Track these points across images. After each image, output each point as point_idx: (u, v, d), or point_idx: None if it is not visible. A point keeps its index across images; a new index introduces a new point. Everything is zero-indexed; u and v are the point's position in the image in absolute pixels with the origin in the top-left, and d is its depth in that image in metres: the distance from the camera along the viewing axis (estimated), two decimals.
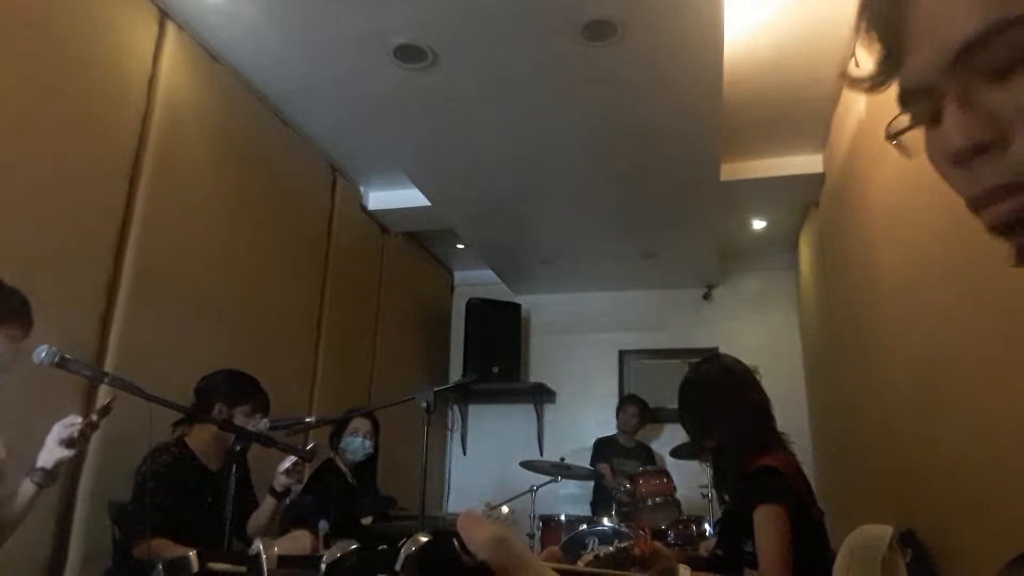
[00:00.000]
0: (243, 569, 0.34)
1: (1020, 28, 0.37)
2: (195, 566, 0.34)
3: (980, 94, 0.40)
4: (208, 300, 3.17)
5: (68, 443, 1.72)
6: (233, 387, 2.63)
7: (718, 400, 2.08)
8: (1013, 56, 0.38)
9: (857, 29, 0.47)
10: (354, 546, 0.36)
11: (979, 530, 1.97)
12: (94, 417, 1.76)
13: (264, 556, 0.34)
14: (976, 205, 0.43)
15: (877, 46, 0.46)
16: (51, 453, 1.72)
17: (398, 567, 0.37)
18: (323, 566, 0.35)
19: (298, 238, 3.97)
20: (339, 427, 3.38)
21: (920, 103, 0.44)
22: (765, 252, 5.73)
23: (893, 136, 0.47)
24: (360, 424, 3.36)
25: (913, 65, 0.43)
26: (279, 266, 3.75)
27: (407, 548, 0.37)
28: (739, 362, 2.16)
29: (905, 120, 0.45)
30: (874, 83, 0.48)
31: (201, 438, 2.59)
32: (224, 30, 3.09)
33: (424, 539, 0.37)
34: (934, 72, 0.42)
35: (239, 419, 2.54)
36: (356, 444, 3.33)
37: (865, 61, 0.48)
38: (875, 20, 0.46)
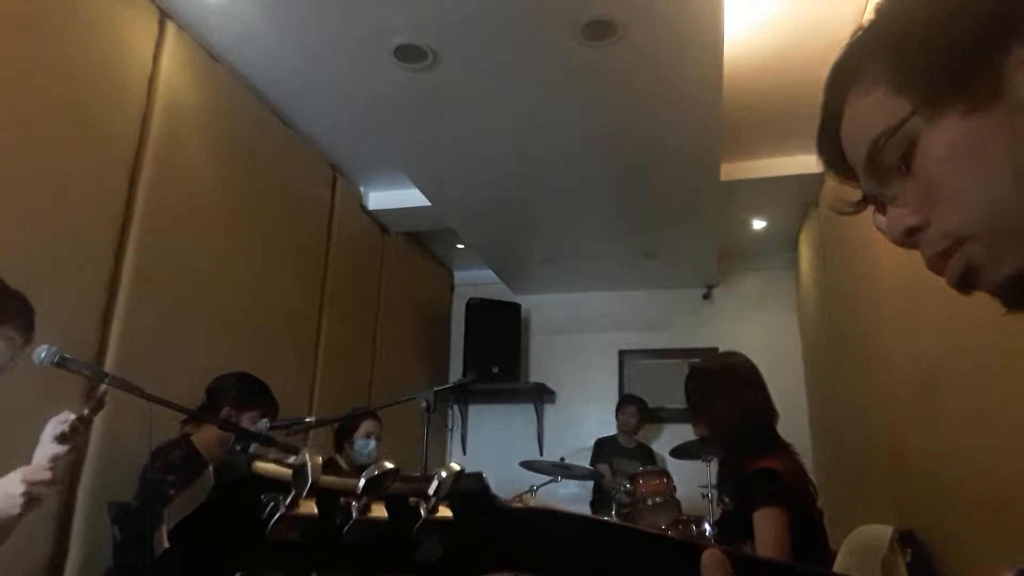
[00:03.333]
0: (288, 473, 0.35)
1: (886, 138, 0.51)
2: (244, 468, 0.35)
3: (901, 191, 0.53)
4: (208, 300, 3.17)
5: (62, 439, 1.72)
6: (243, 391, 2.63)
7: (711, 393, 2.12)
8: (895, 157, 0.52)
9: (830, 173, 0.61)
10: (391, 465, 0.37)
11: (979, 530, 1.97)
12: (86, 412, 1.76)
13: (309, 464, 0.35)
14: (936, 273, 0.55)
15: (850, 182, 0.59)
16: (46, 450, 1.72)
17: (431, 491, 0.38)
18: (362, 480, 0.36)
19: (298, 238, 3.97)
20: (346, 427, 3.38)
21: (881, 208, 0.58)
22: (765, 252, 5.73)
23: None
24: (373, 427, 3.37)
25: (862, 184, 0.58)
26: (279, 266, 3.75)
27: (440, 475, 0.38)
28: (749, 364, 2.17)
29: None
30: (856, 210, 0.62)
31: (206, 438, 2.58)
32: (224, 30, 3.09)
33: (457, 468, 0.39)
34: (870, 188, 0.56)
35: (246, 424, 2.54)
36: (370, 447, 3.34)
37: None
38: (833, 168, 0.60)
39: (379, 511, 0.37)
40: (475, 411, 6.16)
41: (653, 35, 2.87)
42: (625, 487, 4.42)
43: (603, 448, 5.26)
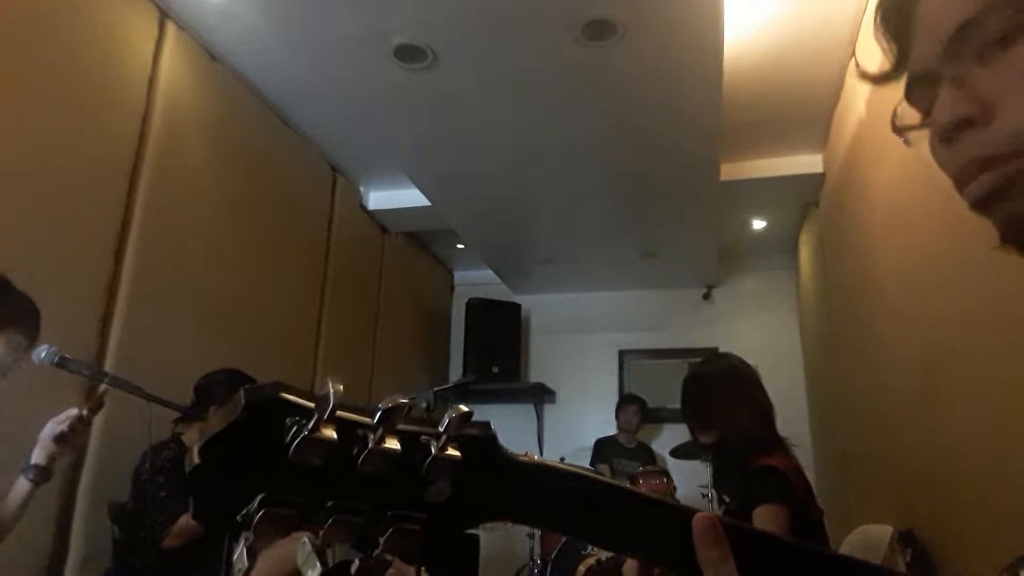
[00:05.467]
0: (311, 405, 0.37)
1: (997, 9, 0.42)
2: (272, 394, 0.37)
3: (971, 75, 0.44)
4: (208, 300, 3.17)
5: (60, 439, 1.72)
6: (229, 390, 2.61)
7: (719, 397, 2.09)
8: (1004, 30, 0.42)
9: (875, 32, 0.52)
10: (404, 400, 0.38)
11: (979, 530, 1.97)
12: (84, 412, 1.76)
13: (332, 392, 0.36)
14: (960, 182, 0.46)
15: (891, 46, 0.52)
16: (45, 449, 1.72)
17: (442, 428, 0.40)
18: (379, 411, 0.38)
19: (298, 238, 3.97)
20: None
21: (922, 91, 0.48)
22: (765, 252, 5.73)
23: (899, 130, 0.52)
24: None
25: (917, 54, 0.48)
26: (279, 266, 3.75)
27: (450, 415, 0.40)
28: (745, 363, 2.16)
29: (910, 114, 0.50)
30: (884, 78, 0.53)
31: (197, 437, 2.58)
32: (224, 30, 3.09)
33: (466, 409, 0.40)
34: (933, 58, 0.46)
35: None
36: None
37: (874, 58, 0.54)
38: (888, 23, 0.51)
39: (393, 445, 0.38)
40: (475, 411, 6.14)
41: (653, 35, 2.87)
42: None
43: (603, 448, 5.26)
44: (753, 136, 4.03)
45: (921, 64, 0.48)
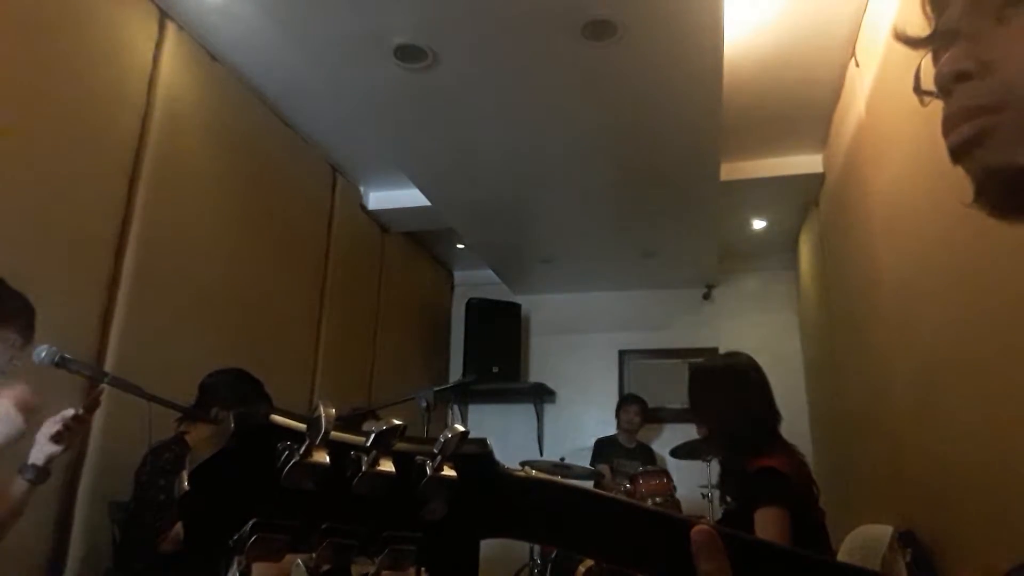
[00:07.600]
0: (303, 427, 0.36)
1: None
2: (263, 418, 0.36)
3: (986, 33, 0.45)
4: (208, 300, 3.17)
5: (57, 438, 1.71)
6: (233, 392, 2.59)
7: (714, 395, 2.12)
8: None
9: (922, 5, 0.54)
10: (398, 423, 0.38)
11: (979, 530, 1.97)
12: (80, 411, 1.75)
13: (323, 416, 0.36)
14: (944, 130, 0.47)
15: (932, 12, 0.52)
16: (42, 449, 1.72)
17: (437, 448, 0.39)
18: (372, 435, 0.38)
19: (298, 238, 3.97)
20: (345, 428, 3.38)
21: (944, 47, 0.49)
22: (765, 252, 5.73)
23: (920, 91, 0.52)
24: (374, 427, 3.36)
25: (948, 12, 0.49)
26: (279, 266, 3.75)
27: (445, 435, 0.39)
28: (753, 366, 2.16)
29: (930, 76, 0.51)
30: (918, 42, 0.53)
31: (201, 436, 2.58)
32: (224, 30, 3.09)
33: (461, 429, 0.39)
34: (957, 13, 0.47)
35: None
36: None
37: (913, 23, 0.55)
38: None
39: (387, 466, 0.38)
40: (475, 411, 6.16)
41: (653, 35, 2.87)
42: (625, 487, 4.42)
43: (603, 448, 5.25)
44: (753, 136, 4.03)
45: (947, 21, 0.49)
